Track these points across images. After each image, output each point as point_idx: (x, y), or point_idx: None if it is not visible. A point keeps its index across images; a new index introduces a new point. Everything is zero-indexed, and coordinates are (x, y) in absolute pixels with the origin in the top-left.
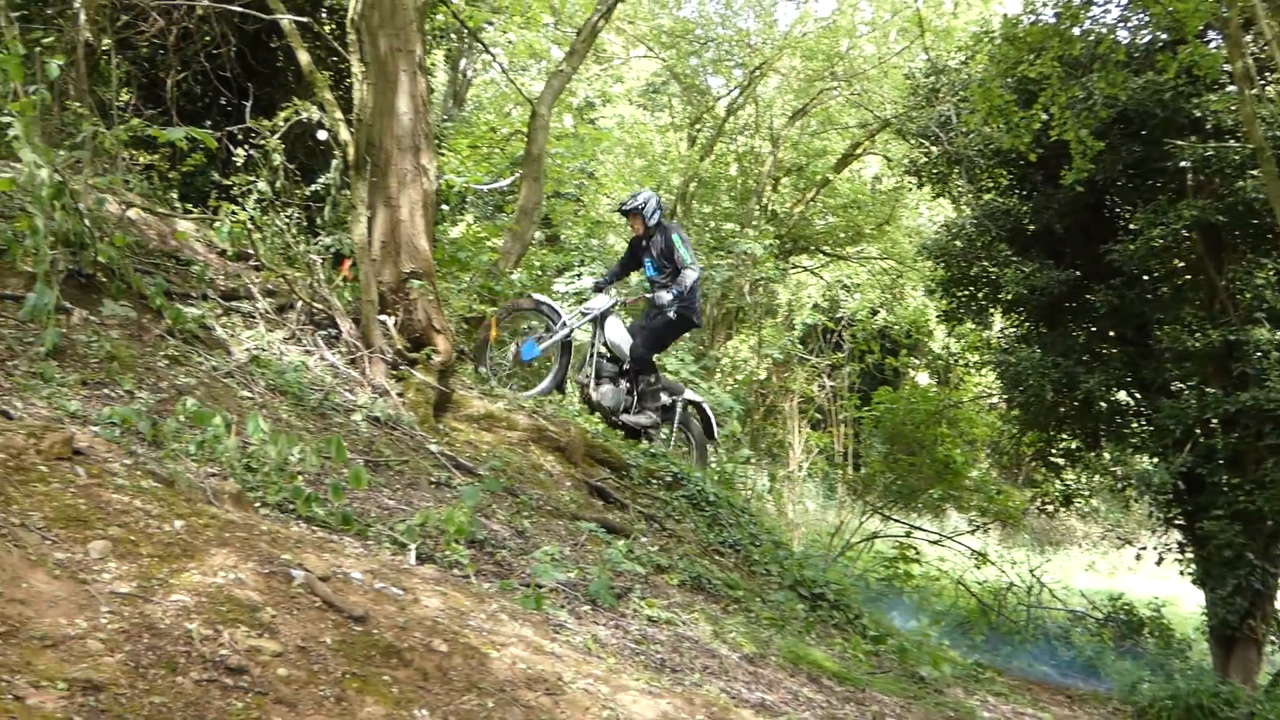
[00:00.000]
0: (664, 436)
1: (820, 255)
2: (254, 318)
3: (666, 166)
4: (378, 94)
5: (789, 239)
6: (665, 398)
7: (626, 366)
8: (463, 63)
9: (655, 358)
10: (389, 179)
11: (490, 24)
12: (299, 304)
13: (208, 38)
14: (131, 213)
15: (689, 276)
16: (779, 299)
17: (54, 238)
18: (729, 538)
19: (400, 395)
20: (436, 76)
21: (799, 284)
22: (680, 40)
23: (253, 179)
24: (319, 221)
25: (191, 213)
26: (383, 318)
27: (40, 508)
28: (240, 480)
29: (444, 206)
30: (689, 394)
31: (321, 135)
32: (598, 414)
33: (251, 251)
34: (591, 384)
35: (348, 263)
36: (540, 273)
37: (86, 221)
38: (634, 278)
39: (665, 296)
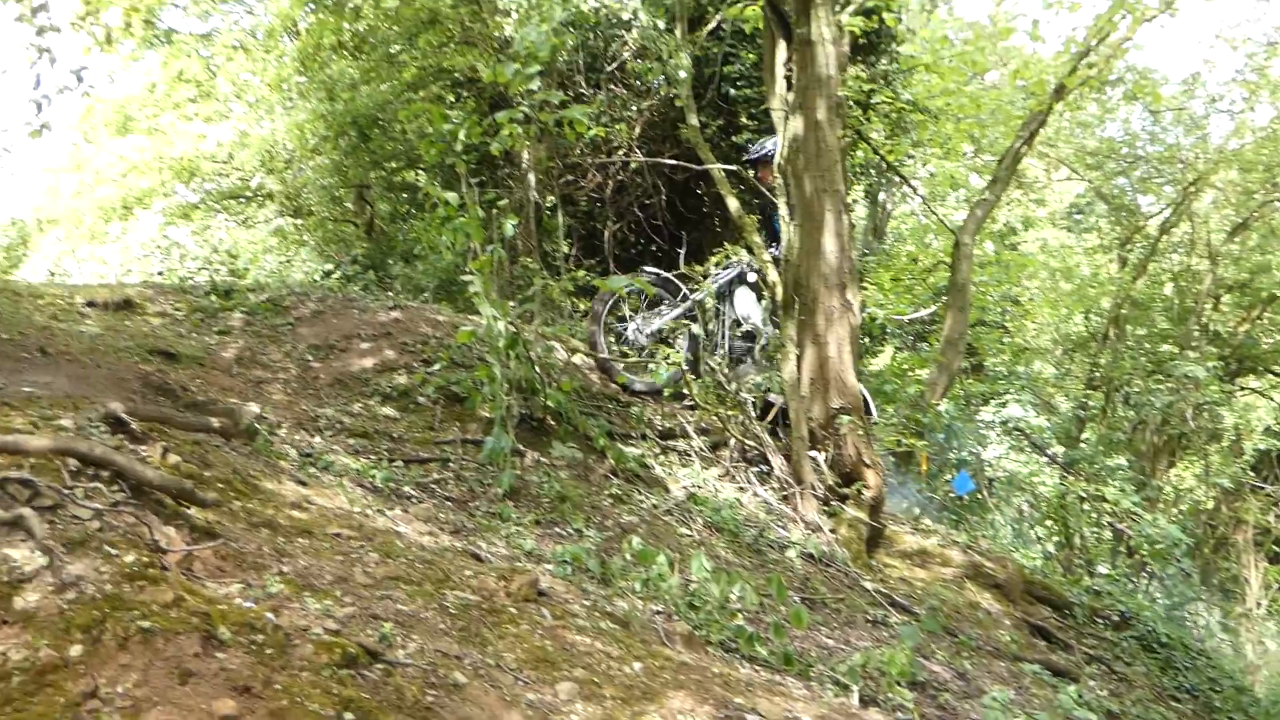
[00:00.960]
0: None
1: (1270, 376)
2: (690, 456)
3: (1095, 289)
4: (804, 234)
5: (1234, 359)
6: None
7: (765, 343)
8: (881, 195)
9: None
10: (816, 316)
11: (910, 157)
12: (732, 441)
13: (640, 189)
14: (575, 358)
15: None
16: (1225, 423)
17: (508, 385)
18: (1185, 683)
19: (832, 531)
20: (856, 211)
21: (1247, 406)
22: (1106, 160)
23: (685, 322)
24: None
25: (627, 355)
26: (813, 453)
27: (512, 649)
28: (684, 617)
29: (866, 339)
30: None
31: (750, 277)
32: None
33: (686, 391)
34: (725, 365)
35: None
36: (966, 402)
37: (537, 369)
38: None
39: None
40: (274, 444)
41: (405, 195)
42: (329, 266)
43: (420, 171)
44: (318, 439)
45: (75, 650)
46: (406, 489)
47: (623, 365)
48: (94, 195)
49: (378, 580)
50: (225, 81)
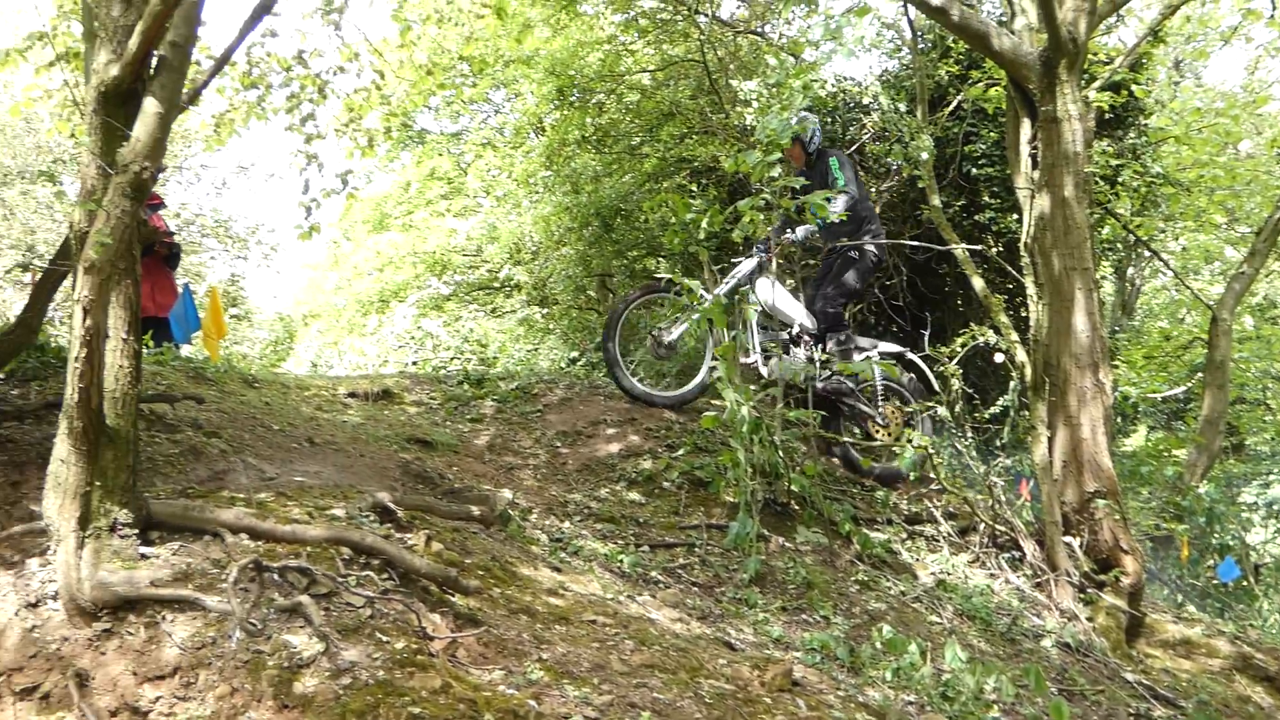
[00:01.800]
0: (864, 408)
1: None
2: (938, 541)
3: None
4: (1053, 313)
5: None
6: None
7: (796, 332)
8: (1130, 271)
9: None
10: (1068, 397)
11: (1161, 231)
12: (981, 526)
13: (881, 270)
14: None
15: (840, 201)
16: None
17: (752, 469)
18: None
19: (1090, 619)
20: (1104, 287)
21: None
22: None
23: (930, 405)
24: (996, 443)
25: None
26: (1067, 539)
27: None
28: (938, 708)
29: (1119, 419)
30: (885, 345)
31: (998, 358)
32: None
33: (932, 475)
34: (759, 361)
35: (1026, 484)
36: (1227, 484)
37: (780, 453)
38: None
39: (798, 233)
40: (526, 529)
41: (645, 282)
42: (574, 354)
43: (661, 259)
44: (567, 524)
45: None
46: (654, 574)
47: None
48: (352, 290)
49: (634, 668)
50: (474, 178)
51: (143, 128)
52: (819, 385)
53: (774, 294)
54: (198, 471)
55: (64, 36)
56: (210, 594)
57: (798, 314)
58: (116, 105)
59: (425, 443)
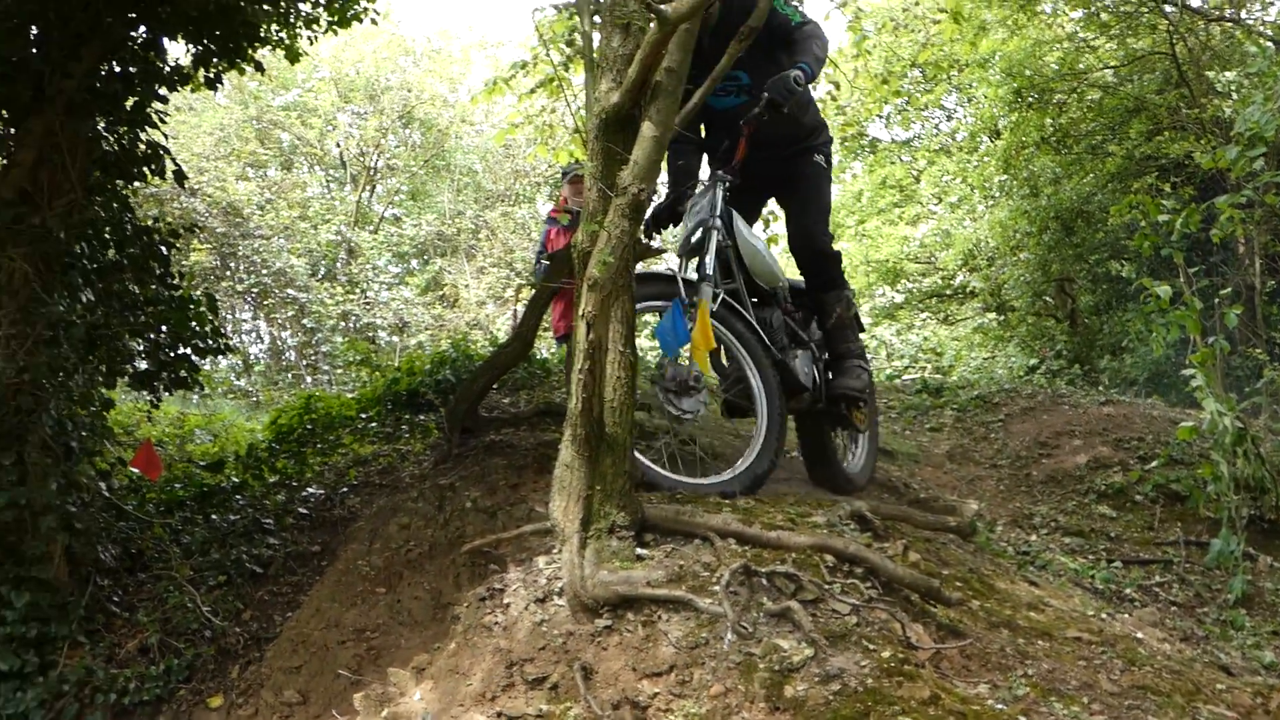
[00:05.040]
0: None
1: None
2: None
3: None
4: None
5: None
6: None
7: (785, 299)
8: None
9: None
10: None
11: None
12: None
13: None
14: None
15: (813, 44)
16: None
17: (1235, 483)
18: None
19: None
20: None
21: None
22: None
23: None
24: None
25: None
26: None
27: None
28: None
29: None
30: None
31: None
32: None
33: None
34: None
35: None
36: None
37: (1267, 466)
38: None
39: (795, 75)
40: (992, 541)
41: (1108, 286)
42: (1033, 361)
43: (1124, 261)
44: (1034, 537)
45: None
46: (1128, 591)
47: None
48: None
49: (1124, 689)
50: (927, 185)
51: (640, 151)
52: (841, 384)
53: (757, 239)
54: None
55: (543, 63)
56: (702, 596)
57: (808, 255)
58: (615, 130)
59: (886, 452)
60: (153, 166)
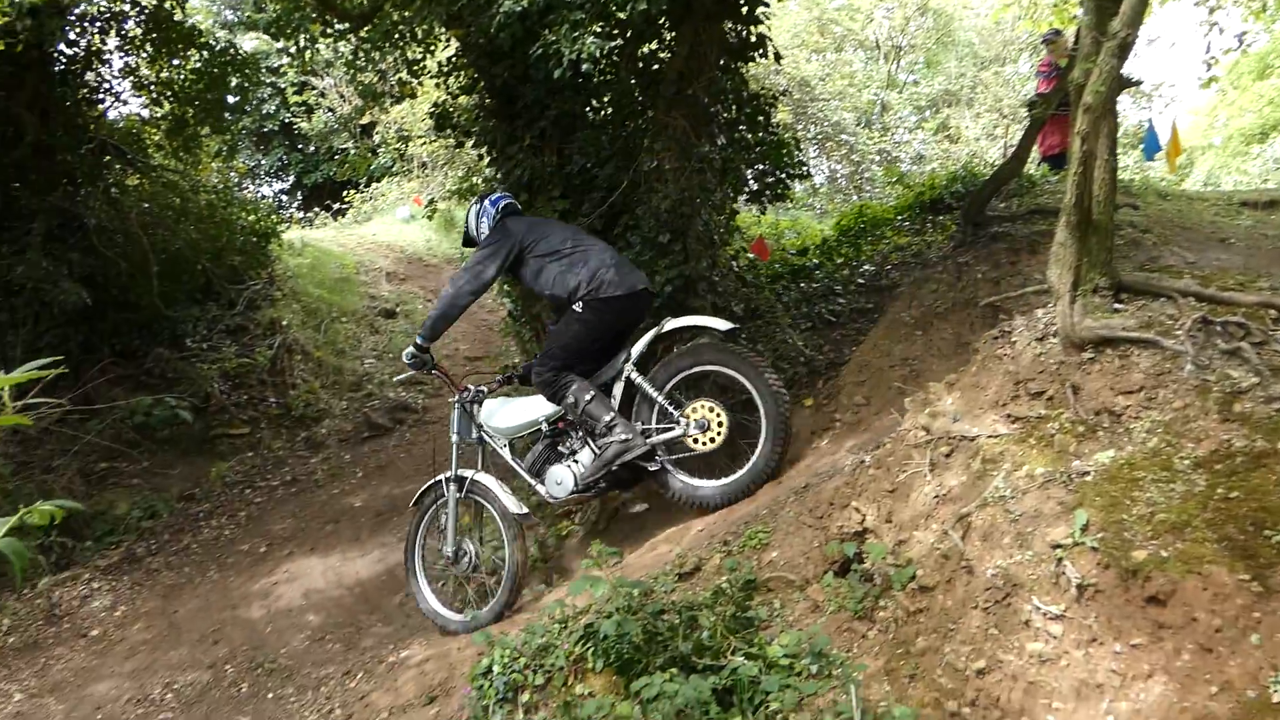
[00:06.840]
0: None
1: None
2: None
3: None
4: None
5: None
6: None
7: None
8: None
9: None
10: None
11: None
12: None
13: None
14: None
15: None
16: None
17: None
18: None
19: None
20: None
21: None
22: None
23: None
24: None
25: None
26: None
27: None
28: None
29: None
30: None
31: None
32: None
33: None
34: (535, 483)
35: None
36: None
37: None
38: None
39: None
40: None
41: None
42: None
43: None
44: None
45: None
46: None
47: None
48: (1237, 124)
49: None
50: None
51: (1127, 3)
52: (616, 453)
53: (494, 412)
54: (1138, 256)
55: None
56: (1166, 338)
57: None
58: None
59: None
60: (761, 51)
